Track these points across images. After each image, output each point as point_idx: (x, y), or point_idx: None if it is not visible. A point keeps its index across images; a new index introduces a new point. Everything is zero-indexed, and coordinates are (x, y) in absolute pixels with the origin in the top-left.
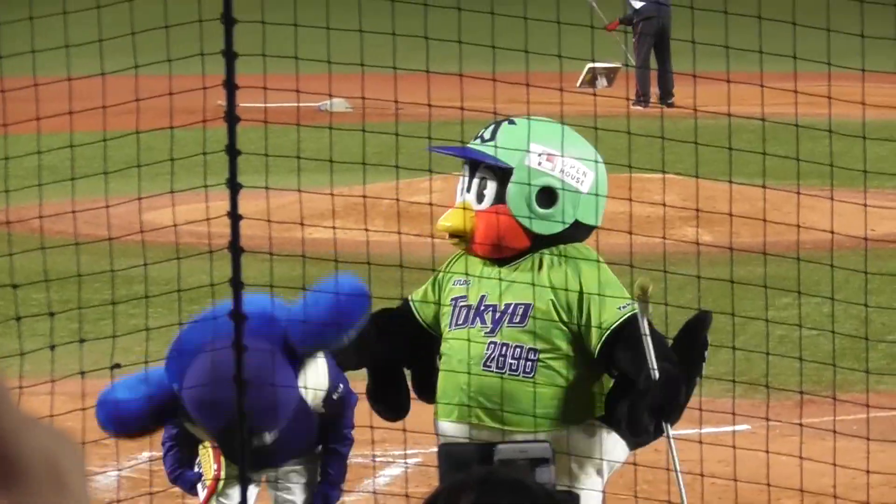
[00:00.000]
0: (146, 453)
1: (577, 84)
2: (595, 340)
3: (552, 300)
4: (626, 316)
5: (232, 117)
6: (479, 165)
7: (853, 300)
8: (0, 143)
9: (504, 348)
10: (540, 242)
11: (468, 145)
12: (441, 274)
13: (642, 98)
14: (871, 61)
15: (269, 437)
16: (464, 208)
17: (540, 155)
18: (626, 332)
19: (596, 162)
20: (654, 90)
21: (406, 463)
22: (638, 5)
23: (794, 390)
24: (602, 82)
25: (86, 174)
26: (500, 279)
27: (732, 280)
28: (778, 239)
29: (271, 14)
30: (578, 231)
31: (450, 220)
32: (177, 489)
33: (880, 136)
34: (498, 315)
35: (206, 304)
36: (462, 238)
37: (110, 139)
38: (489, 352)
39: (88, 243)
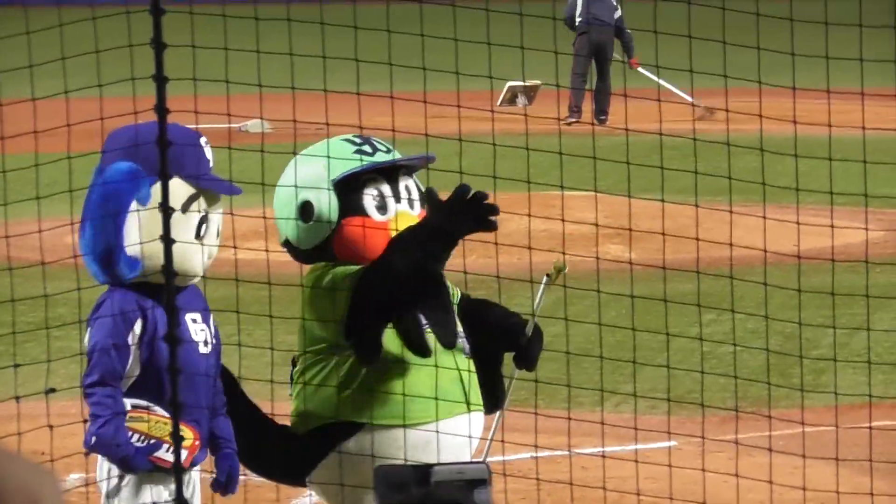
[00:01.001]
0: (75, 475)
1: (498, 103)
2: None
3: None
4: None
5: (164, 142)
6: (399, 176)
7: (778, 316)
8: None
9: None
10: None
11: (374, 160)
12: None
13: (574, 111)
14: (801, 78)
15: None
16: (410, 215)
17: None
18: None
19: None
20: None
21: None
22: (577, 21)
23: (725, 407)
24: (522, 100)
25: (17, 198)
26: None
27: (666, 299)
28: (702, 255)
29: (200, 36)
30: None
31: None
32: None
33: (805, 152)
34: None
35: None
36: None
37: (42, 162)
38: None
39: (18, 267)
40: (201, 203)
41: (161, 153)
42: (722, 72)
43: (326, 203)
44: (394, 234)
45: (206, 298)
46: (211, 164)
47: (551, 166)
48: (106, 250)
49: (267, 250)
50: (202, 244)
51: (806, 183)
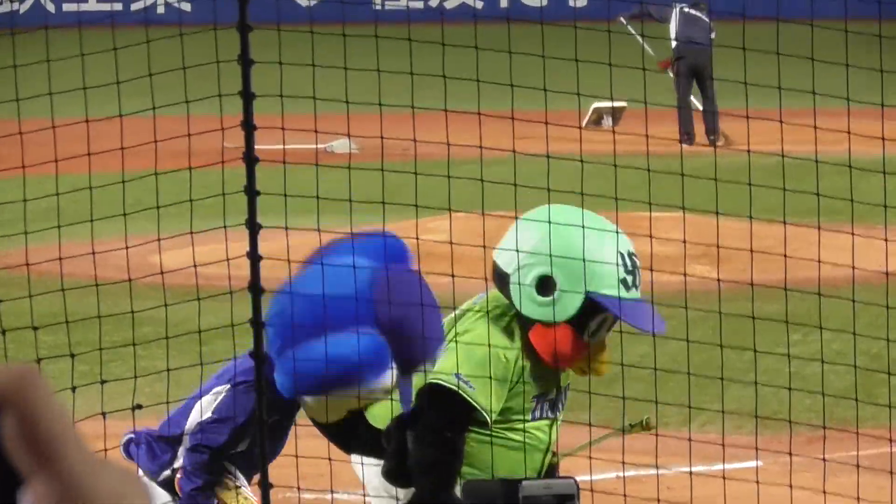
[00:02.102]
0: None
1: (584, 124)
2: None
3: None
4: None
5: (251, 157)
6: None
7: (864, 334)
8: (18, 184)
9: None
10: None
11: (630, 298)
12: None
13: (685, 138)
14: (889, 96)
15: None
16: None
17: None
18: None
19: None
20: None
21: None
22: (673, 45)
23: (811, 424)
24: (608, 122)
25: (104, 215)
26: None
27: (754, 316)
28: (788, 276)
29: (287, 53)
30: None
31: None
32: None
33: (892, 170)
34: (561, 402)
35: (223, 345)
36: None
37: (127, 180)
38: (554, 437)
39: (104, 284)
40: None
41: (248, 169)
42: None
43: (572, 291)
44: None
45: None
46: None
47: (635, 187)
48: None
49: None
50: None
51: (894, 201)
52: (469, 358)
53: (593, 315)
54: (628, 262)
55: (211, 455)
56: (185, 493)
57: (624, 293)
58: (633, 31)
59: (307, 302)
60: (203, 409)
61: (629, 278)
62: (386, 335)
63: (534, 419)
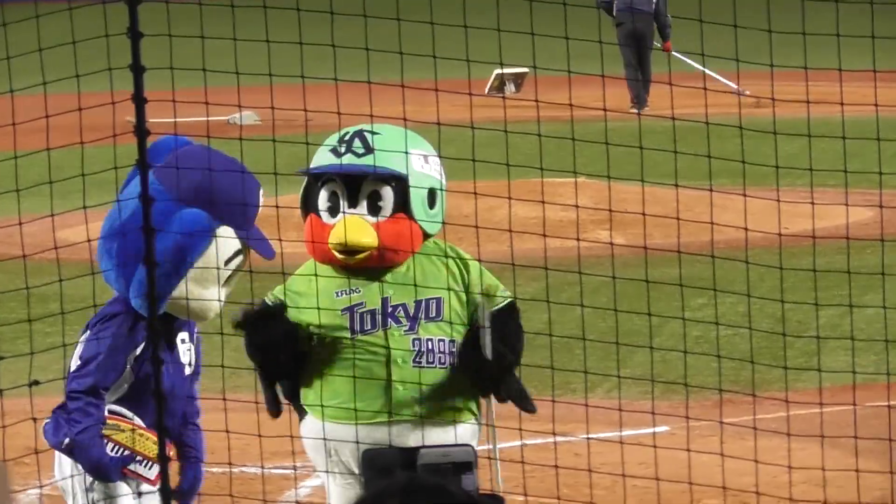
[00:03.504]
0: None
1: (486, 90)
2: (479, 303)
3: (453, 292)
4: (508, 300)
5: (142, 131)
6: (365, 179)
7: (768, 298)
8: None
9: (429, 343)
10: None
11: (338, 162)
12: (291, 290)
13: (634, 104)
14: (778, 57)
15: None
16: (362, 221)
17: (417, 158)
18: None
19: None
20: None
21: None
22: (616, 11)
23: (713, 388)
24: (510, 87)
25: None
26: (403, 284)
27: (648, 280)
28: (691, 240)
29: (177, 27)
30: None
31: (353, 234)
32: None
33: (788, 132)
34: (413, 313)
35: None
36: (363, 252)
37: (21, 157)
38: (416, 348)
39: (2, 261)
40: (239, 259)
41: (140, 143)
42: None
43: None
44: (335, 238)
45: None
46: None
47: (534, 153)
48: (141, 284)
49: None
50: (220, 301)
51: (789, 164)
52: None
53: (316, 193)
54: (349, 136)
55: (86, 400)
56: (52, 443)
57: (333, 159)
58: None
59: (128, 212)
60: (72, 362)
61: (341, 147)
62: (202, 206)
63: (361, 332)
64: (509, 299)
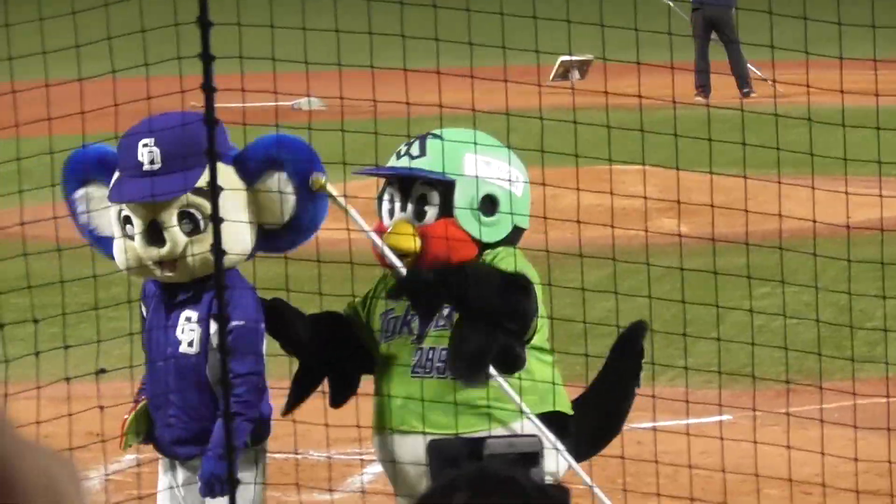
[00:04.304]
0: (130, 456)
1: (550, 78)
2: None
3: None
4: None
5: (211, 120)
6: (415, 183)
7: (832, 288)
8: None
9: (431, 352)
10: (483, 251)
11: (394, 164)
12: (371, 298)
13: (700, 91)
14: (847, 48)
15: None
16: (409, 225)
17: (476, 163)
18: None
19: (521, 163)
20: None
21: None
22: None
23: (778, 380)
24: (575, 75)
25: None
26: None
27: (716, 271)
28: (754, 229)
29: (246, 14)
30: (515, 235)
31: (399, 241)
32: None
33: (855, 123)
34: (426, 321)
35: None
36: (409, 257)
37: (90, 143)
38: (416, 358)
39: (69, 249)
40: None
41: (209, 132)
42: (770, 43)
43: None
44: (389, 239)
45: (222, 305)
46: (144, 162)
47: (600, 141)
48: None
49: (349, 229)
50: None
51: (855, 154)
52: None
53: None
54: (414, 139)
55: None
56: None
57: (394, 161)
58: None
59: None
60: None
61: (402, 150)
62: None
63: (385, 339)
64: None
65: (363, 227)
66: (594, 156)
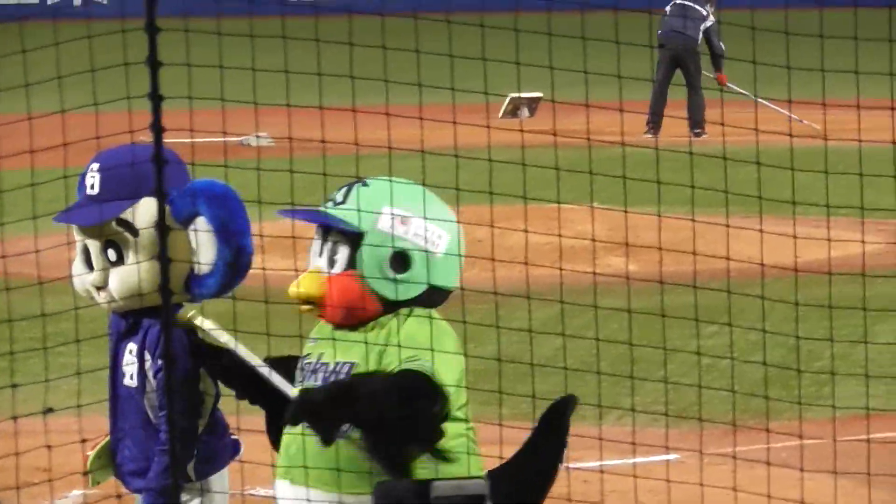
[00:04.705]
0: (77, 491)
1: (500, 115)
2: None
3: (378, 360)
4: (404, 366)
5: (160, 159)
6: (331, 230)
7: (780, 329)
8: None
9: None
10: (393, 308)
11: (320, 208)
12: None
13: (650, 128)
14: (797, 89)
15: None
16: (318, 273)
17: (393, 217)
18: None
19: (452, 223)
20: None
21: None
22: (658, 33)
23: (725, 420)
24: (524, 112)
25: (14, 214)
26: (332, 339)
27: (663, 314)
28: (702, 268)
29: (195, 51)
30: (434, 296)
31: (302, 285)
32: None
33: (804, 163)
34: (327, 374)
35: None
36: (314, 305)
37: (38, 180)
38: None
39: (18, 287)
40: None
41: (157, 171)
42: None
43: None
44: (293, 285)
45: (159, 338)
46: (87, 187)
47: (549, 180)
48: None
49: (264, 269)
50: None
51: (804, 195)
52: None
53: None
54: (344, 186)
55: None
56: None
57: (319, 206)
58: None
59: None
60: None
61: (334, 192)
62: None
63: (296, 385)
64: (408, 366)
65: (251, 360)
66: (542, 196)
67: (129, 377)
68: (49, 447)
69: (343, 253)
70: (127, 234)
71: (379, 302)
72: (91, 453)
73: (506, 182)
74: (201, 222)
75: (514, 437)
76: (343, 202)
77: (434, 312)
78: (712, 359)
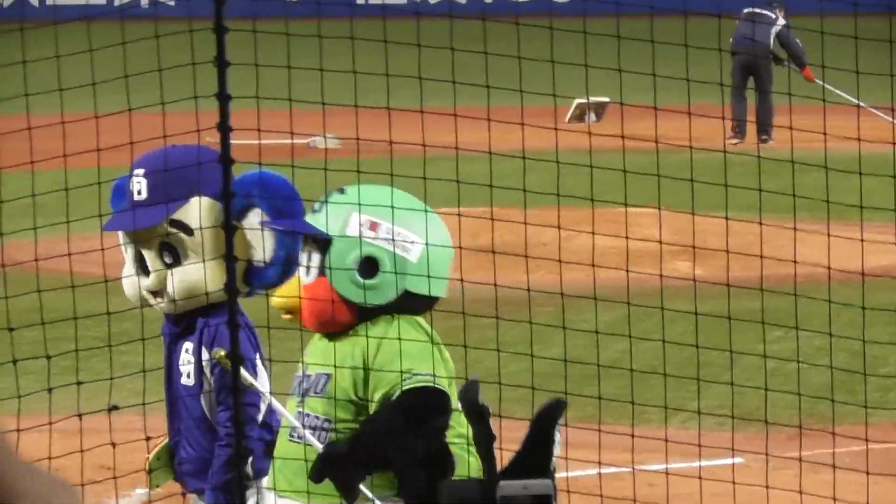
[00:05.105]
0: (140, 490)
1: (566, 120)
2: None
3: (352, 370)
4: (407, 387)
5: (227, 159)
6: (308, 237)
7: (845, 334)
8: None
9: (305, 418)
10: (367, 314)
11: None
12: None
13: (735, 134)
14: (865, 95)
15: None
16: (296, 281)
17: (361, 224)
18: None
19: (440, 229)
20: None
21: None
22: (731, 41)
23: (790, 424)
24: (591, 117)
25: (80, 213)
26: (301, 349)
27: (730, 318)
28: (768, 273)
29: (263, 52)
30: (411, 301)
31: (279, 300)
32: None
33: (871, 168)
34: (307, 385)
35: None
36: (294, 313)
37: (104, 178)
38: (299, 421)
39: (84, 286)
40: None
41: (224, 172)
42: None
43: None
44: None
45: (215, 337)
46: (133, 193)
47: (616, 183)
48: None
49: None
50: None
51: (871, 200)
52: None
53: None
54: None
55: None
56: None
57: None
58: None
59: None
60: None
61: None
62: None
63: (289, 397)
64: (414, 384)
65: (268, 395)
66: (609, 198)
67: (186, 376)
68: (113, 445)
69: (315, 260)
70: (182, 235)
71: (350, 308)
72: (151, 455)
73: (573, 185)
74: (255, 214)
75: (578, 440)
76: (319, 210)
77: (422, 320)
78: (778, 363)
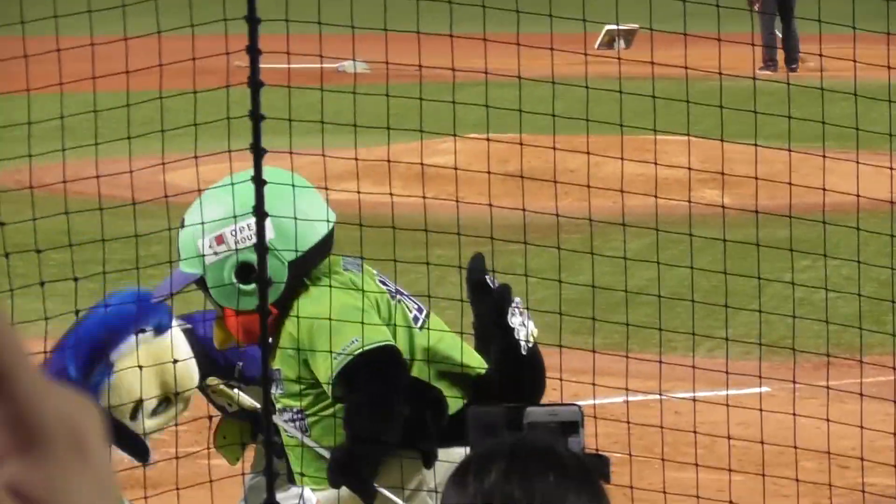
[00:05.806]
0: None
1: (596, 45)
2: (331, 394)
3: (291, 359)
4: (340, 366)
5: (256, 83)
6: (200, 289)
7: (874, 262)
8: (22, 103)
9: (284, 413)
10: (278, 306)
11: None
12: None
13: (768, 64)
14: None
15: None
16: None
17: (210, 246)
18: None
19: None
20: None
21: None
22: None
23: (817, 352)
24: (621, 44)
25: (108, 135)
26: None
27: (758, 243)
28: (797, 201)
29: None
30: (306, 264)
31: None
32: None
33: None
34: (275, 382)
35: None
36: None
37: (133, 101)
38: (280, 420)
39: (112, 208)
40: None
41: (253, 94)
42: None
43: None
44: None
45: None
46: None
47: (645, 110)
48: None
49: (359, 192)
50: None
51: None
52: None
53: None
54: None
55: None
56: None
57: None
58: None
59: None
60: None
61: None
62: None
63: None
64: (351, 355)
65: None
66: (638, 125)
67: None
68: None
69: (210, 299)
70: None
71: (255, 313)
72: (215, 435)
73: (602, 112)
74: (146, 339)
75: (605, 367)
76: (179, 257)
77: (351, 276)
78: (805, 291)
